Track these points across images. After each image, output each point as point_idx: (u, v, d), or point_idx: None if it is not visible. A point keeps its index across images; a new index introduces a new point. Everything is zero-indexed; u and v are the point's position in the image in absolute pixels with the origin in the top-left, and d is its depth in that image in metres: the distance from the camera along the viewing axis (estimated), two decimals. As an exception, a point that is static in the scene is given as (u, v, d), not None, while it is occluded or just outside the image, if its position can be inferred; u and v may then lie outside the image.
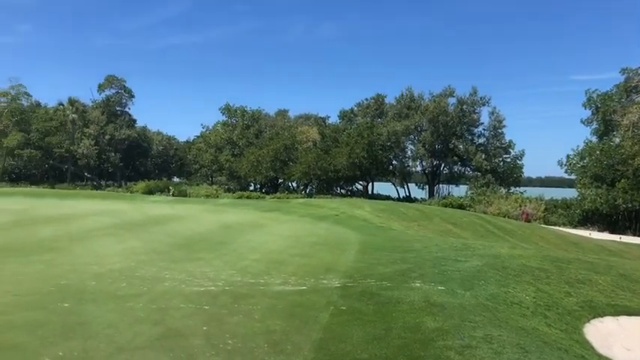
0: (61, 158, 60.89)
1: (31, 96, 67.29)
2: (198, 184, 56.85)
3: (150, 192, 46.69)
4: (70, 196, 39.03)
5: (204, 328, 6.92)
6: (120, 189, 54.00)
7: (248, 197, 43.12)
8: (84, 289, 8.72)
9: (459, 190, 55.78)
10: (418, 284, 9.77)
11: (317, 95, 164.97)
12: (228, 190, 52.90)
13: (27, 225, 17.78)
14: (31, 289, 8.63)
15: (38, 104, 69.45)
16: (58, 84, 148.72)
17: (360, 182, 57.42)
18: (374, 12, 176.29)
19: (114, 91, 66.12)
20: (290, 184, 59.40)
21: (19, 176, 61.45)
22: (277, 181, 59.07)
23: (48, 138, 58.95)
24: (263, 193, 52.08)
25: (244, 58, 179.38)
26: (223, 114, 65.57)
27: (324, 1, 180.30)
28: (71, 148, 59.11)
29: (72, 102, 61.50)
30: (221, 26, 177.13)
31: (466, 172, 56.86)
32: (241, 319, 7.41)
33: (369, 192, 56.28)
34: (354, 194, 55.10)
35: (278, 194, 47.41)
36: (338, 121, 65.53)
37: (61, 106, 61.46)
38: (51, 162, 61.54)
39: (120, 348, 6.05)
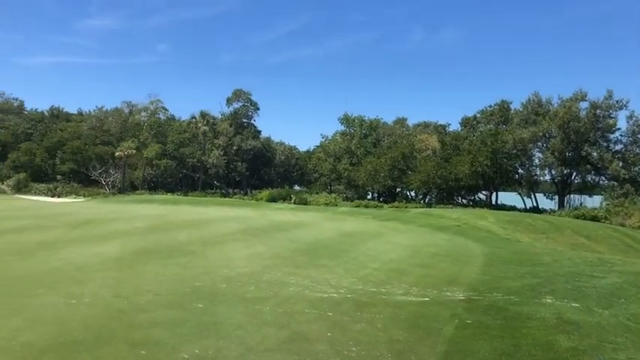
0: (193, 168, 65.33)
1: (168, 110, 73.24)
2: (317, 193, 58.12)
3: (273, 199, 48.55)
4: (201, 203, 41.73)
5: (329, 334, 7.05)
6: (246, 196, 56.68)
7: (366, 206, 43.29)
8: (216, 291, 9.26)
9: (593, 201, 51.70)
10: (549, 300, 9.21)
11: (437, 103, 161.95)
12: (347, 199, 53.47)
13: (164, 230, 19.24)
14: (170, 289, 9.32)
15: (173, 118, 75.29)
16: (190, 98, 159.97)
17: (483, 192, 55.32)
18: (496, 14, 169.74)
19: (241, 104, 69.80)
20: (408, 193, 58.74)
21: (157, 184, 66.74)
22: (395, 190, 58.69)
23: (182, 149, 63.55)
24: (381, 202, 52.03)
25: (363, 67, 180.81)
26: (342, 124, 66.58)
27: (443, 7, 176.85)
28: (202, 158, 63.20)
29: (203, 115, 65.80)
30: (340, 38, 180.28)
31: (601, 182, 52.58)
32: (364, 327, 7.45)
33: (493, 202, 54.00)
34: (476, 204, 53.17)
35: (396, 203, 47.09)
36: (459, 128, 63.80)
37: (194, 119, 65.98)
38: (184, 171, 66.20)
39: (250, 349, 6.34)
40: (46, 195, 52.69)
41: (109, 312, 7.67)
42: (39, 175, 61.20)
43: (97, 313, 7.58)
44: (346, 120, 65.75)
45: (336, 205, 45.30)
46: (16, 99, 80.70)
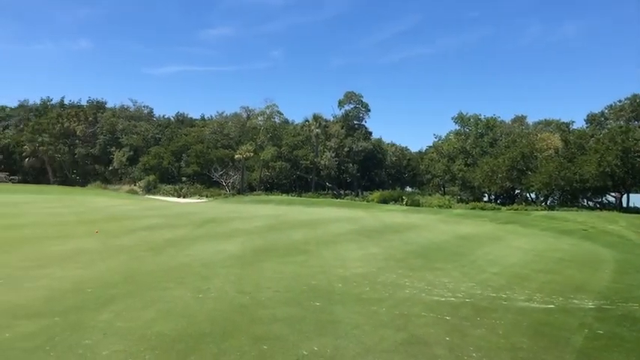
0: (306, 169, 66.89)
1: (282, 114, 75.66)
2: (430, 194, 57.04)
3: (384, 201, 48.39)
4: (314, 203, 42.62)
5: (447, 338, 6.88)
6: (357, 198, 57.01)
7: (482, 208, 41.78)
8: (332, 290, 9.39)
9: None
10: (696, 314, 8.31)
11: (558, 100, 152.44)
12: (461, 201, 51.96)
13: (281, 229, 19.87)
14: (288, 286, 9.59)
15: (287, 121, 77.68)
16: (303, 102, 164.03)
17: (612, 194, 51.19)
18: (622, 3, 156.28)
19: (352, 106, 70.35)
20: (528, 195, 55.80)
21: (272, 185, 69.10)
22: (514, 191, 56.03)
23: (295, 151, 65.31)
24: (498, 204, 49.92)
25: (477, 65, 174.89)
26: (456, 123, 64.76)
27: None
28: (315, 160, 64.51)
29: (316, 118, 67.14)
30: (452, 36, 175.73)
31: None
32: (484, 332, 7.18)
33: (624, 204, 49.81)
34: (604, 207, 49.34)
35: (515, 206, 44.92)
36: (584, 125, 59.56)
37: (307, 122, 67.52)
38: (298, 173, 67.96)
39: (367, 349, 6.35)
40: (173, 195, 56.55)
41: (232, 306, 8.05)
42: (166, 177, 65.83)
43: (222, 307, 7.97)
44: (461, 119, 63.89)
45: (450, 207, 44.18)
46: (146, 107, 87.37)
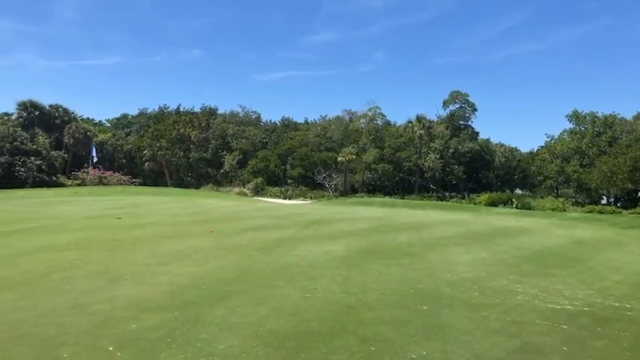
0: (409, 171, 66.14)
1: (385, 116, 75.41)
2: (542, 197, 54.20)
3: (492, 204, 46.66)
4: (418, 206, 42.02)
5: (564, 348, 6.53)
6: (463, 200, 55.49)
7: (600, 212, 39.04)
8: (439, 295, 9.23)
9: None
10: None
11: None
12: (576, 204, 48.88)
13: (385, 231, 19.82)
14: (394, 289, 9.57)
15: (390, 123, 77.29)
16: (406, 103, 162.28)
17: None
18: None
19: (457, 106, 68.64)
20: (654, 198, 51.33)
21: (375, 188, 69.04)
22: (637, 194, 51.74)
23: (398, 153, 64.83)
24: (618, 207, 46.37)
25: (593, 59, 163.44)
26: (570, 121, 60.99)
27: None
28: (418, 161, 63.61)
29: (419, 119, 66.22)
30: (565, 30, 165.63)
31: None
32: (606, 344, 6.74)
33: None
34: None
35: (638, 209, 41.49)
36: None
37: (410, 124, 66.78)
38: (400, 175, 67.39)
39: (477, 355, 6.19)
40: (279, 197, 58.32)
41: (339, 307, 8.17)
42: (273, 180, 68.01)
43: (329, 307, 8.12)
44: (575, 117, 60.11)
45: (564, 210, 41.73)
46: (254, 112, 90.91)
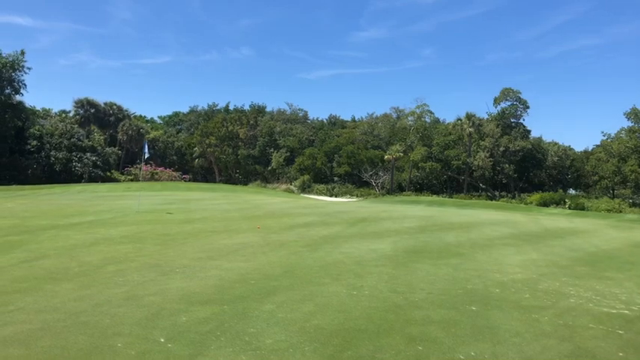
0: (458, 170, 65.11)
1: (433, 113, 74.53)
2: (597, 198, 52.37)
3: (544, 204, 45.40)
4: (467, 205, 41.31)
5: (620, 354, 6.30)
6: (513, 200, 54.22)
7: (661, 213, 37.36)
8: (488, 295, 9.06)
9: None
10: None
11: None
12: (634, 205, 46.99)
13: (433, 230, 19.59)
14: (442, 289, 9.45)
15: (438, 121, 76.26)
16: (455, 100, 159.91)
17: None
18: None
19: (509, 103, 67.11)
20: None
21: (422, 186, 68.35)
22: (701, 195, 49.29)
23: (447, 151, 63.89)
24: (681, 209, 44.25)
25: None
26: (629, 119, 58.60)
27: None
28: (467, 160, 62.53)
29: (469, 117, 65.08)
30: (625, 23, 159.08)
31: None
32: (667, 352, 6.45)
33: None
34: None
35: (702, 211, 39.51)
36: None
37: (459, 121, 65.74)
38: (449, 173, 66.40)
39: (528, 358, 6.05)
40: (325, 195, 58.48)
41: (386, 305, 8.13)
42: (319, 177, 68.27)
43: (376, 305, 8.10)
44: (635, 115, 57.70)
45: (621, 211, 40.16)
46: (302, 109, 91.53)
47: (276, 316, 7.29)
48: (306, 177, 65.52)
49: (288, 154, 75.54)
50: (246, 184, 75.18)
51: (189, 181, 76.10)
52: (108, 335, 6.30)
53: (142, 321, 6.89)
